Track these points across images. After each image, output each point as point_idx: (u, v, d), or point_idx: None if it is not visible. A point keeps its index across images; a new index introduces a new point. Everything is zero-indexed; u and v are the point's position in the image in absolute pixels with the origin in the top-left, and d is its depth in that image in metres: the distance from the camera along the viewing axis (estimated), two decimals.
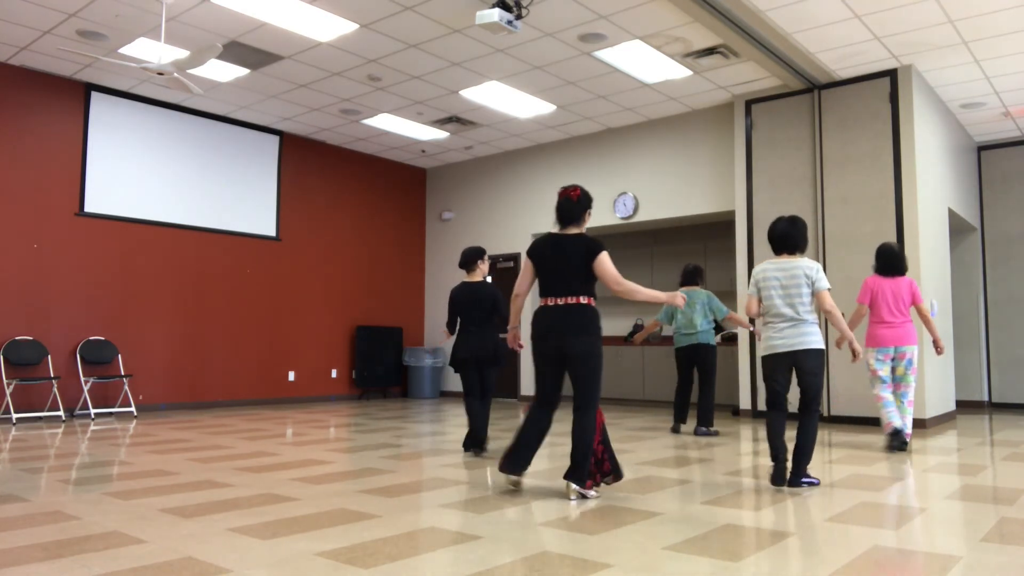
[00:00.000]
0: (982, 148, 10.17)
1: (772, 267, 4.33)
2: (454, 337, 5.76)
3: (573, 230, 4.04)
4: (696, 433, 6.70)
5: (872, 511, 3.65)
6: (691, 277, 6.96)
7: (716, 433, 6.73)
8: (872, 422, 7.39)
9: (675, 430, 6.91)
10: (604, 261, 3.93)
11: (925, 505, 3.83)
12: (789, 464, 4.22)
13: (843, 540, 3.10)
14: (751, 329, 7.07)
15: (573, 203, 4.01)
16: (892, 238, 7.51)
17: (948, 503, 3.87)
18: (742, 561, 2.79)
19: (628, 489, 4.18)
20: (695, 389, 7.00)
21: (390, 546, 2.98)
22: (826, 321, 4.25)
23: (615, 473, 4.06)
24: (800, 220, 4.36)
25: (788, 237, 4.32)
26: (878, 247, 6.00)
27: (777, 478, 4.19)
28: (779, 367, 4.25)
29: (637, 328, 10.70)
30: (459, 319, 5.68)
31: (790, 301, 4.23)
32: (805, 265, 4.26)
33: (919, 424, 7.30)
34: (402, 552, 2.89)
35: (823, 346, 4.25)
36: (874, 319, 5.84)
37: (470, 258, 5.70)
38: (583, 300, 3.93)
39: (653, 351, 10.08)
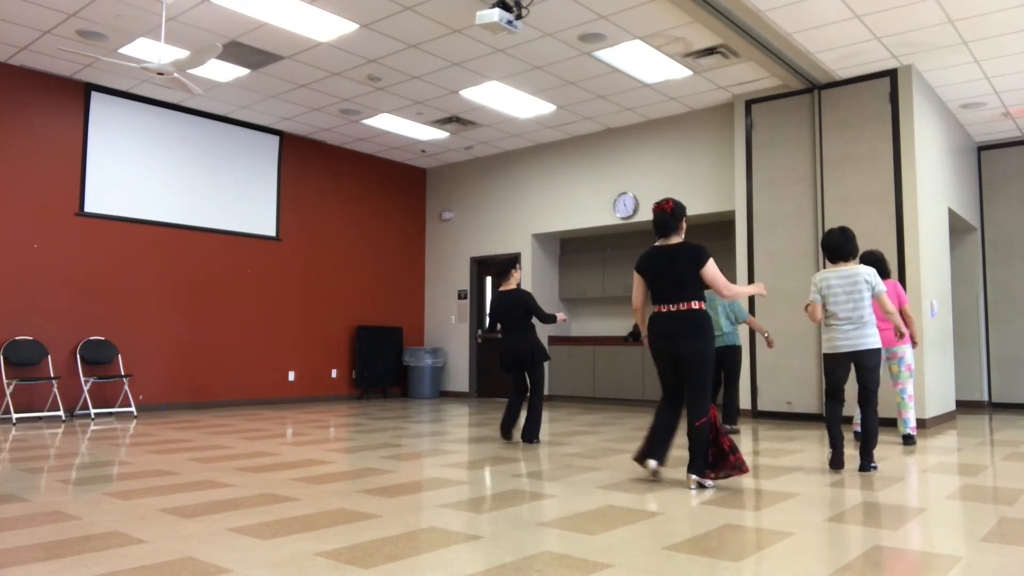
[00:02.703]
0: (982, 148, 10.17)
1: (832, 275, 4.85)
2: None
3: (675, 239, 4.34)
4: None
5: (872, 511, 3.65)
6: None
7: (737, 431, 6.78)
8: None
9: None
10: (711, 268, 4.21)
11: (925, 505, 3.83)
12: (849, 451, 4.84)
13: (843, 540, 3.10)
14: (766, 334, 7.00)
15: (668, 215, 4.32)
16: (892, 238, 7.52)
17: (948, 503, 3.87)
18: (742, 561, 2.79)
19: (628, 489, 4.18)
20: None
21: (390, 546, 2.98)
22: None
23: (739, 467, 4.18)
24: (849, 230, 4.93)
25: (842, 248, 4.89)
26: (862, 253, 6.05)
27: (835, 463, 4.84)
28: (840, 364, 4.83)
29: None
30: (499, 324, 6.29)
31: (853, 305, 4.77)
32: (864, 272, 4.80)
33: (919, 424, 7.30)
34: (402, 552, 2.89)
35: (880, 345, 4.81)
36: None
37: (504, 268, 6.31)
38: (694, 305, 4.20)
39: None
